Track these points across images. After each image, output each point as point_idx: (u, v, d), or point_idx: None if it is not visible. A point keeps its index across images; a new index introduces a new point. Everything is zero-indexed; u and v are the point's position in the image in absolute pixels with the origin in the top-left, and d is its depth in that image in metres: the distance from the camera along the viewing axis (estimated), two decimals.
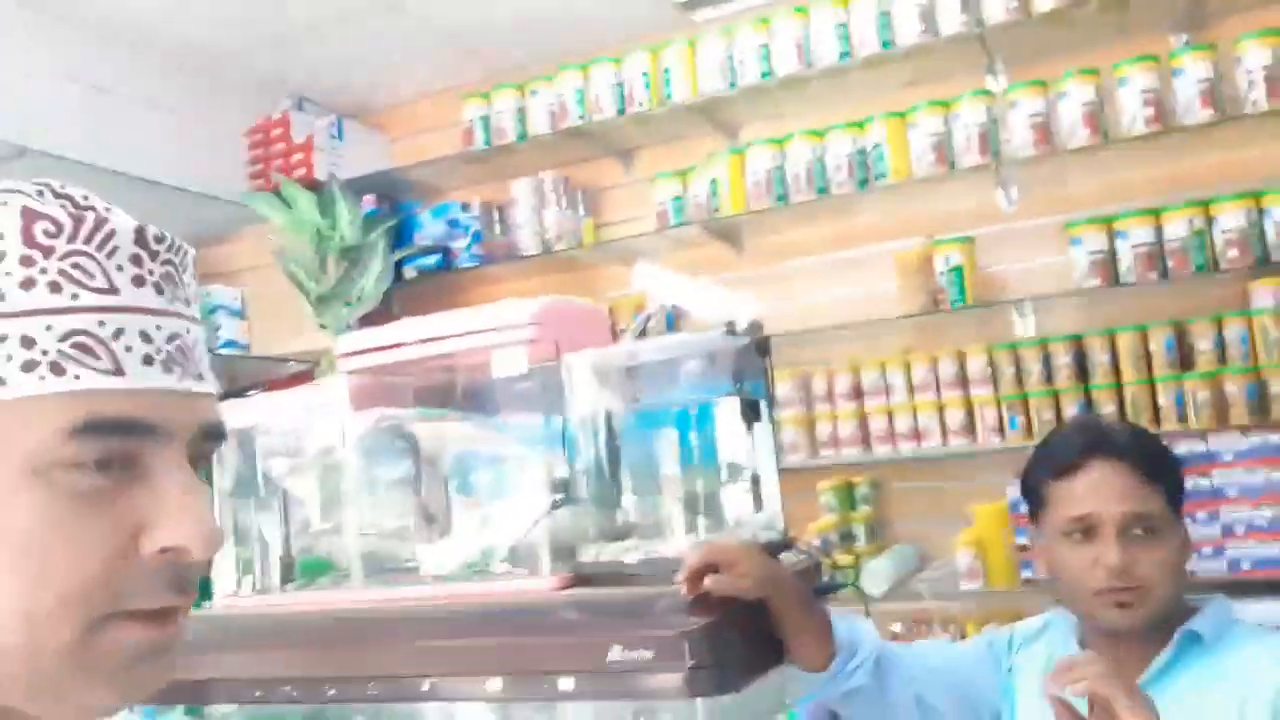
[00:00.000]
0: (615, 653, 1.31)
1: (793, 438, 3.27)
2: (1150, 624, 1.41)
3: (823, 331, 3.26)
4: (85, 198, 0.63)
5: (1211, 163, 3.04)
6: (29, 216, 0.59)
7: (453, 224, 3.81)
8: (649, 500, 1.58)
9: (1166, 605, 1.41)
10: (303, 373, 3.52)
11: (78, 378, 0.58)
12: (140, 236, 0.63)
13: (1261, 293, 2.90)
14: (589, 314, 1.79)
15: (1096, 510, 1.41)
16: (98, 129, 3.23)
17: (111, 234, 0.61)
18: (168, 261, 0.64)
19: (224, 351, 3.47)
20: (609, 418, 1.59)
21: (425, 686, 1.45)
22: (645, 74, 3.47)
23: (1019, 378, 3.08)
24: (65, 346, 0.58)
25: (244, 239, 3.57)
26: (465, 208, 3.82)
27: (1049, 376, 3.05)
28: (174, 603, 0.62)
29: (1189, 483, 1.72)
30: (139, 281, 0.62)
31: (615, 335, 1.91)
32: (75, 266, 0.59)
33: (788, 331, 3.08)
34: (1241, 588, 2.64)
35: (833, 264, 3.48)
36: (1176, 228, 2.95)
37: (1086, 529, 1.42)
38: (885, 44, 3.17)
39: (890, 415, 3.23)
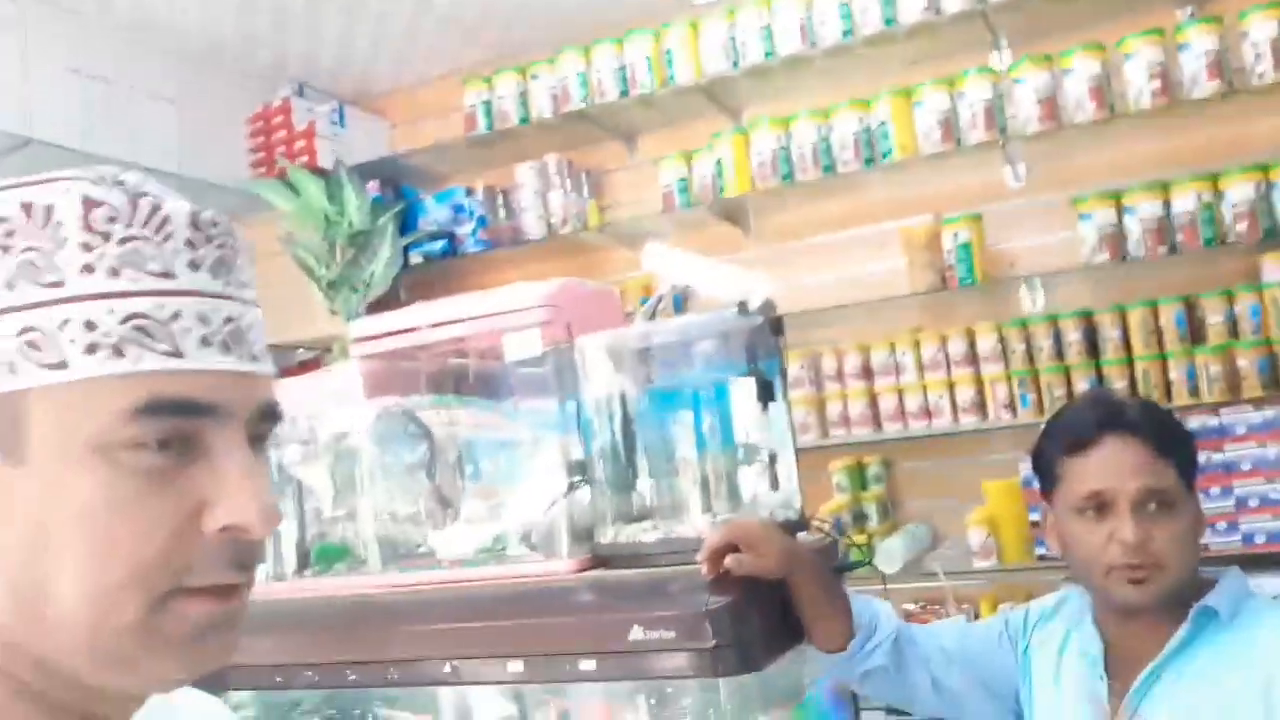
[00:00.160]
0: (636, 633, 1.31)
1: (803, 418, 3.26)
2: (1164, 600, 1.39)
3: (831, 311, 3.25)
4: (141, 184, 0.64)
5: (1219, 136, 3.03)
6: (88, 204, 0.61)
7: (457, 209, 3.80)
8: (665, 481, 1.58)
9: (1180, 581, 1.40)
10: (311, 360, 3.53)
11: (138, 360, 0.59)
12: (195, 221, 0.64)
13: (1272, 265, 2.88)
14: (601, 296, 1.78)
15: (1110, 486, 1.40)
16: (99, 119, 3.22)
17: (167, 219, 0.63)
18: (222, 245, 0.65)
19: None
20: (624, 399, 1.59)
21: (446, 669, 1.46)
22: (648, 56, 3.46)
23: (1029, 354, 3.07)
24: (126, 329, 0.60)
25: (249, 227, 3.55)
26: (469, 193, 3.81)
27: (1059, 353, 3.05)
28: (235, 580, 0.63)
29: (1201, 457, 1.72)
30: (194, 265, 0.63)
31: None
32: (133, 251, 0.61)
33: (796, 311, 3.06)
34: (1255, 561, 2.64)
35: (840, 243, 3.47)
36: (1185, 201, 2.94)
37: (1100, 505, 1.41)
38: (889, 21, 3.15)
39: (900, 394, 3.22)
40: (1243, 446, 2.75)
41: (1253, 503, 2.73)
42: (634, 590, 1.39)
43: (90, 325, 0.59)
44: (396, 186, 3.93)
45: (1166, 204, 2.97)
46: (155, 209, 0.63)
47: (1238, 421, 2.77)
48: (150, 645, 0.60)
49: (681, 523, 1.52)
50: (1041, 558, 2.95)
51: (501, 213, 3.84)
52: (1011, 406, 3.08)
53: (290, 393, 1.85)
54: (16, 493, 0.59)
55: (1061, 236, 3.17)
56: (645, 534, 1.51)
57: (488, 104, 3.70)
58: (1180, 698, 1.38)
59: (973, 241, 3.16)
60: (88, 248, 0.60)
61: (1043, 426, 1.64)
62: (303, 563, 1.80)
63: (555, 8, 3.58)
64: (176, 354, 0.61)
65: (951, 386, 3.16)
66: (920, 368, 3.21)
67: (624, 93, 3.50)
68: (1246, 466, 2.74)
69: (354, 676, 1.54)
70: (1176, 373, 2.90)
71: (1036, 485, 3.01)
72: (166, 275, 0.62)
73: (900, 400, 3.23)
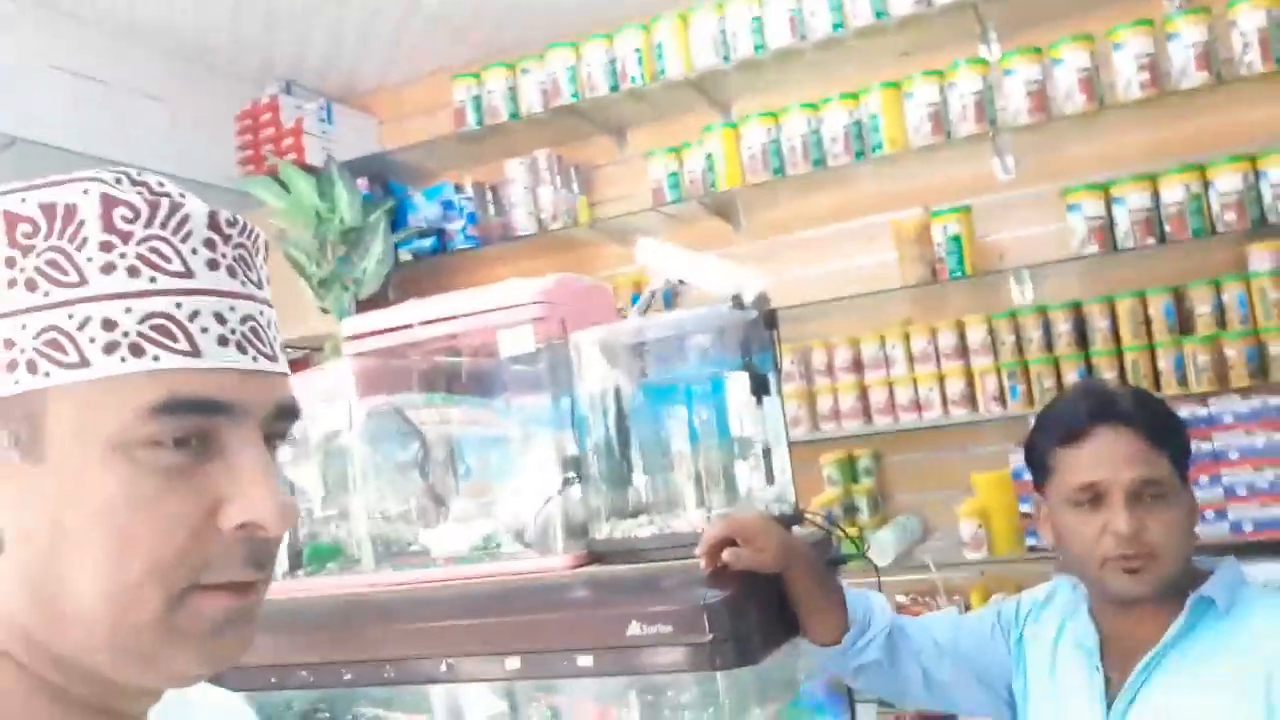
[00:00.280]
0: (634, 628, 1.31)
1: (794, 412, 3.27)
2: (1160, 590, 1.39)
3: (822, 305, 3.26)
4: (160, 184, 0.65)
5: (1207, 126, 3.04)
6: (108, 203, 0.61)
7: (447, 206, 3.79)
8: (660, 476, 1.58)
9: (1175, 570, 1.40)
10: (299, 360, 3.52)
11: (157, 358, 0.60)
12: (213, 221, 0.65)
13: (1259, 255, 2.90)
14: (594, 291, 1.78)
15: (1104, 477, 1.40)
16: (87, 118, 3.20)
17: (186, 219, 0.63)
18: (240, 245, 0.66)
19: None
20: (618, 394, 1.59)
21: (443, 667, 1.45)
22: (638, 50, 3.45)
23: (1019, 346, 3.09)
24: (144, 328, 0.60)
25: None
26: (459, 189, 3.80)
27: (1049, 344, 3.06)
28: (252, 577, 0.64)
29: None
30: (213, 265, 0.64)
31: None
32: (152, 251, 0.62)
33: (786, 305, 3.06)
34: (1244, 549, 2.66)
35: (830, 237, 3.48)
36: (1173, 192, 2.95)
37: (1093, 496, 1.41)
38: (879, 14, 3.15)
39: (891, 387, 3.23)
40: (1230, 435, 2.76)
41: (1240, 491, 2.75)
42: (630, 586, 1.40)
43: (109, 324, 0.60)
44: (385, 183, 3.92)
45: (1155, 195, 2.98)
46: (175, 209, 0.63)
47: (1225, 411, 2.79)
48: (168, 641, 0.61)
49: (676, 518, 1.52)
50: (1032, 549, 2.96)
51: (491, 209, 3.83)
52: (1001, 398, 3.09)
53: None
54: (35, 491, 0.60)
55: (1051, 228, 3.18)
56: (640, 529, 1.51)
57: (477, 99, 3.69)
58: (1177, 687, 1.37)
59: (963, 234, 3.17)
60: (108, 247, 0.61)
61: (1034, 418, 1.64)
62: (295, 563, 1.79)
63: (544, 3, 3.57)
64: (194, 353, 0.61)
65: (941, 379, 3.17)
66: (910, 360, 3.22)
67: (614, 87, 3.50)
68: (1234, 455, 2.76)
69: (350, 676, 1.54)
70: (1165, 363, 2.91)
71: (1027, 477, 3.02)
72: (185, 275, 0.62)
73: (890, 393, 3.23)
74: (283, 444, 0.69)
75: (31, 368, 0.59)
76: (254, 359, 0.64)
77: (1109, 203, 3.02)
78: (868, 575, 1.83)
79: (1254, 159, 2.90)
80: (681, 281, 1.75)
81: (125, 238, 0.61)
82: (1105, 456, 1.40)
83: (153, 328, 0.60)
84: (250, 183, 2.05)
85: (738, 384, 1.60)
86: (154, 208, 0.62)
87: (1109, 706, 1.41)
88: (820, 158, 3.27)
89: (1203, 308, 2.92)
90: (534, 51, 3.64)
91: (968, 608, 3.12)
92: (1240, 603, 1.40)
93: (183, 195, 0.65)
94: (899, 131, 3.18)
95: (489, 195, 3.85)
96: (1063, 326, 3.04)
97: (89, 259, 0.60)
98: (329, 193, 1.97)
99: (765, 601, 1.42)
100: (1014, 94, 3.07)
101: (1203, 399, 2.82)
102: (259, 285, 0.68)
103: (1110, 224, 3.02)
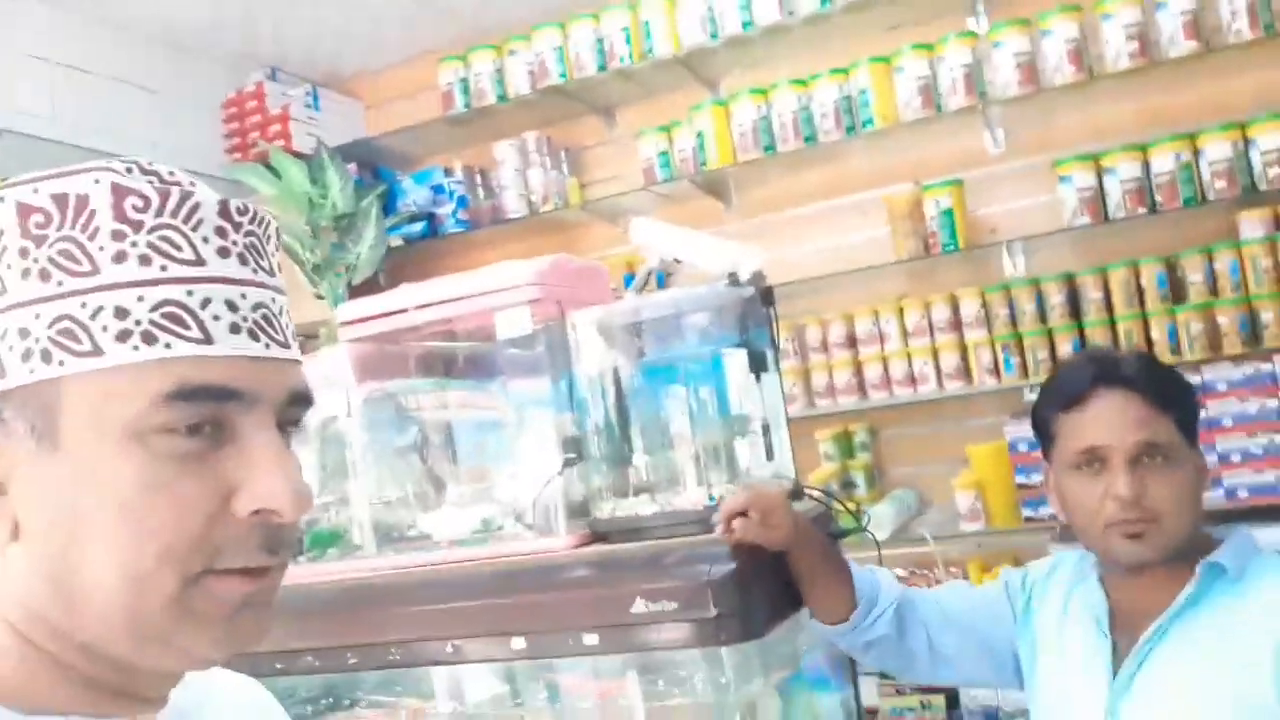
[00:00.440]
0: (639, 605, 1.32)
1: (789, 388, 3.27)
2: (1165, 555, 1.36)
3: (815, 281, 3.26)
4: (171, 173, 0.66)
5: (1196, 95, 3.04)
6: (119, 192, 0.62)
7: (436, 189, 3.77)
8: (660, 455, 1.58)
9: (1181, 536, 1.37)
10: None
11: (169, 346, 0.61)
12: (224, 209, 0.65)
13: (1250, 222, 2.91)
14: (590, 272, 1.78)
15: (1106, 441, 1.38)
16: (72, 108, 3.18)
17: (196, 207, 0.64)
18: (250, 233, 0.67)
19: None
20: (616, 374, 1.59)
21: (448, 649, 1.46)
22: (625, 28, 3.43)
23: (1013, 318, 3.09)
24: (156, 316, 0.61)
25: None
26: (448, 173, 3.78)
27: (1042, 316, 3.07)
28: (266, 563, 0.64)
29: None
30: (224, 253, 0.64)
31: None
32: (163, 239, 0.62)
33: (779, 283, 3.03)
34: (1239, 515, 2.67)
35: (822, 213, 3.47)
36: (1164, 161, 2.95)
37: (1096, 460, 1.39)
38: None
39: (885, 362, 3.24)
40: (1224, 403, 2.78)
41: (1235, 458, 2.76)
42: (634, 563, 1.40)
43: (122, 313, 0.60)
44: (373, 168, 3.90)
45: (1146, 165, 2.98)
46: (185, 197, 0.64)
47: (1219, 378, 2.80)
48: (184, 623, 0.62)
49: (678, 495, 1.53)
50: (1029, 520, 2.98)
51: (481, 192, 3.82)
52: (996, 371, 3.10)
53: None
54: (51, 478, 0.61)
55: (1042, 200, 3.18)
56: (642, 508, 1.52)
57: (465, 82, 3.67)
58: (1186, 655, 1.35)
59: (954, 207, 3.17)
60: (119, 236, 0.61)
61: (1028, 388, 1.63)
62: (296, 549, 1.79)
63: None
64: (206, 340, 0.62)
65: (936, 353, 3.18)
66: (904, 335, 3.22)
67: (602, 67, 3.48)
68: (1228, 422, 2.77)
69: (355, 659, 1.54)
70: (1158, 332, 2.92)
71: (1023, 448, 3.04)
72: (197, 263, 0.63)
73: (885, 368, 3.24)
74: (297, 430, 0.69)
75: (46, 357, 0.60)
76: (266, 346, 0.65)
77: (1100, 173, 3.02)
78: (867, 549, 1.85)
79: (1243, 127, 2.90)
80: (677, 260, 1.75)
81: (136, 227, 0.62)
82: (1106, 420, 1.39)
83: (165, 316, 0.61)
84: (240, 170, 2.04)
85: (736, 361, 1.61)
86: (165, 196, 0.63)
87: (1115, 674, 1.40)
88: (811, 134, 3.26)
89: (1195, 276, 2.93)
90: (520, 32, 3.62)
91: (966, 579, 3.14)
92: (1252, 570, 1.37)
93: (193, 184, 0.66)
94: (889, 106, 3.18)
95: (478, 178, 3.83)
96: (1056, 298, 3.05)
97: (101, 248, 0.61)
98: (320, 178, 1.96)
99: (769, 576, 1.43)
100: (1003, 66, 3.06)
101: (1196, 367, 2.83)
102: (271, 273, 0.68)
103: (1101, 194, 3.02)
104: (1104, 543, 1.40)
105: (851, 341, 3.29)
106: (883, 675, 3.06)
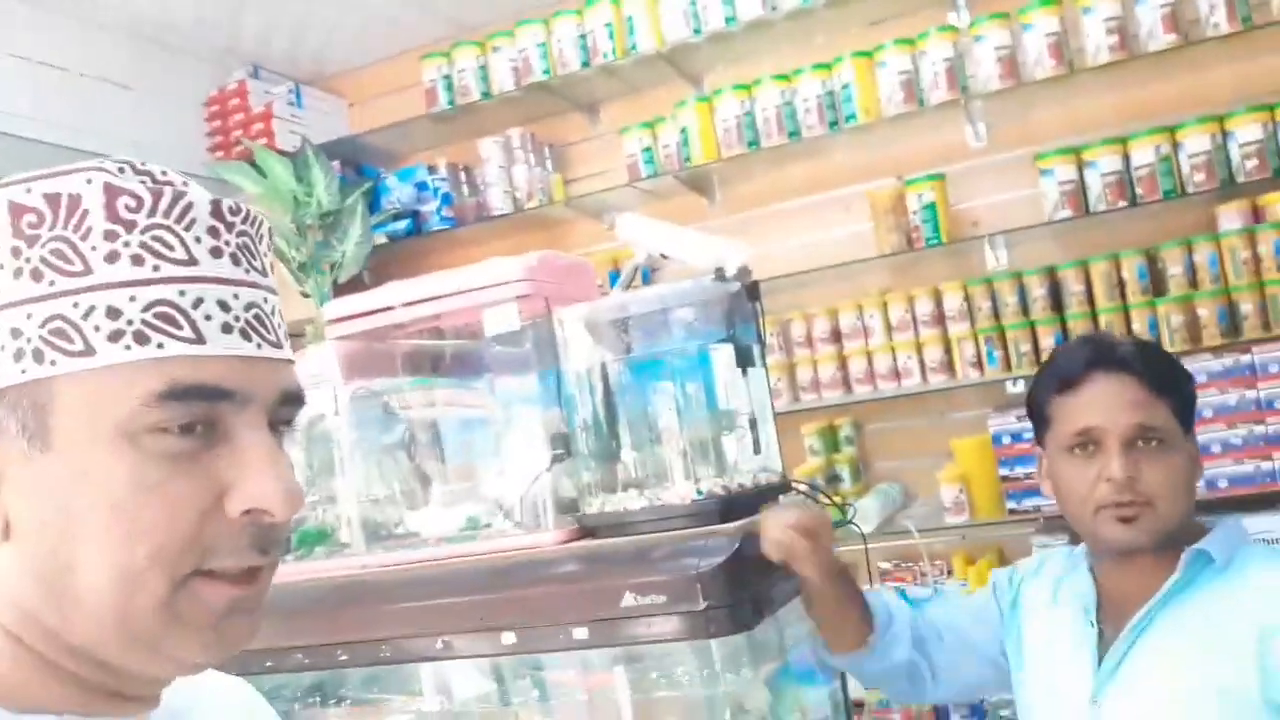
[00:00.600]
0: (629, 599, 1.33)
1: (774, 383, 3.29)
2: (1156, 541, 1.35)
3: (799, 276, 3.27)
4: (164, 173, 0.66)
5: (1175, 88, 3.06)
6: (111, 192, 0.62)
7: (420, 187, 3.77)
8: (648, 450, 1.59)
9: (1173, 522, 1.36)
10: None
11: (161, 346, 0.61)
12: (216, 209, 0.65)
13: (1228, 215, 2.93)
14: (577, 268, 1.78)
15: (1100, 423, 1.37)
16: (53, 107, 3.16)
17: (189, 207, 0.64)
18: (243, 233, 0.67)
19: None
20: (604, 370, 1.60)
21: (439, 645, 1.47)
22: (608, 24, 3.43)
23: (995, 311, 3.11)
24: (148, 316, 0.61)
25: None
26: (432, 170, 3.78)
27: (1025, 309, 3.09)
28: (258, 562, 0.65)
29: None
30: (216, 253, 0.64)
31: None
32: (156, 239, 0.62)
33: (764, 278, 3.05)
34: (1219, 505, 2.70)
35: (806, 208, 3.49)
36: (1143, 154, 2.98)
37: (1089, 443, 1.38)
38: None
39: (869, 356, 3.25)
40: (1205, 394, 2.80)
41: (1215, 448, 2.79)
42: (623, 558, 1.41)
43: (114, 313, 0.60)
44: (357, 166, 3.89)
45: (1126, 158, 3.00)
46: (178, 197, 0.64)
47: (1199, 370, 2.82)
48: (172, 627, 0.62)
49: (666, 490, 1.53)
50: (1013, 512, 3.00)
51: (465, 189, 3.81)
52: (979, 364, 3.12)
53: None
54: (43, 478, 0.61)
55: (1024, 194, 3.20)
56: (630, 502, 1.52)
57: (448, 79, 3.67)
58: (1171, 643, 1.34)
59: (937, 202, 3.19)
60: (112, 236, 0.61)
61: (1021, 379, 1.63)
62: (284, 548, 1.79)
63: None
64: (199, 340, 0.62)
65: (919, 346, 3.20)
66: (888, 329, 3.24)
67: (585, 63, 3.48)
68: (1208, 413, 2.80)
69: (346, 656, 1.55)
70: (1139, 324, 2.95)
71: (1006, 441, 3.06)
72: (189, 262, 0.63)
73: (869, 362, 3.25)
74: (289, 430, 0.69)
75: (38, 357, 0.60)
76: (258, 346, 0.65)
77: (1080, 167, 3.05)
78: (853, 542, 1.86)
79: (1221, 119, 2.93)
80: (664, 255, 1.75)
81: (129, 226, 0.62)
82: (1101, 402, 1.38)
83: (157, 315, 0.61)
84: (225, 168, 2.04)
85: (722, 356, 1.61)
86: (157, 196, 0.63)
87: (1100, 662, 1.40)
88: (795, 129, 3.27)
89: (1175, 268, 2.95)
90: (504, 28, 3.62)
91: (950, 572, 3.16)
92: (1239, 559, 1.36)
93: (185, 184, 0.66)
94: (872, 101, 3.19)
95: (463, 175, 3.83)
96: (1038, 291, 3.07)
97: (93, 248, 0.61)
98: (306, 176, 1.96)
99: (757, 569, 1.44)
100: (984, 60, 3.08)
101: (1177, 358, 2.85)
102: (263, 272, 0.68)
103: (1082, 188, 3.04)
104: (1095, 527, 1.38)
105: (835, 336, 3.31)
106: None
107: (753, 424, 1.59)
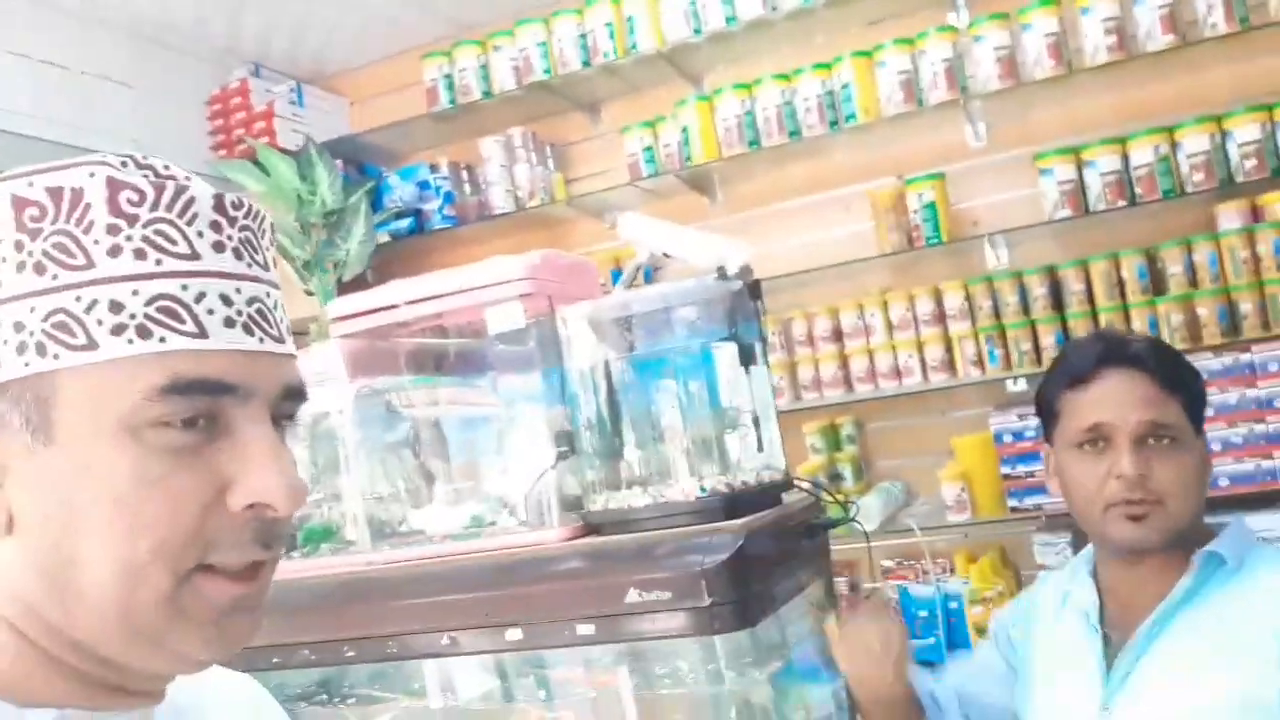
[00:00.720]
0: (633, 595, 1.34)
1: (776, 382, 3.30)
2: (1165, 541, 1.32)
3: (800, 276, 3.28)
4: (166, 167, 0.66)
5: (1174, 88, 3.07)
6: (114, 186, 0.62)
7: (423, 186, 3.77)
8: (651, 447, 1.60)
9: (1183, 522, 1.33)
10: None
11: (163, 340, 0.61)
12: (219, 203, 0.65)
13: (1227, 214, 2.95)
14: (579, 267, 1.79)
15: (1110, 419, 1.34)
16: (55, 106, 3.17)
17: (192, 201, 0.64)
18: (245, 227, 0.67)
19: None
20: (607, 368, 1.61)
21: (445, 641, 1.47)
22: (609, 24, 3.44)
23: (996, 311, 3.12)
24: (151, 310, 0.61)
25: None
26: (434, 169, 3.79)
27: (1025, 308, 3.10)
28: (260, 557, 0.65)
29: None
30: (219, 247, 0.64)
31: None
32: (158, 233, 0.62)
33: (765, 277, 3.06)
34: (1220, 504, 2.71)
35: (807, 207, 3.50)
36: (1143, 154, 2.99)
37: (1099, 439, 1.35)
38: None
39: (871, 355, 3.26)
40: (1206, 393, 2.81)
41: (1215, 447, 2.79)
42: (627, 554, 1.41)
43: (116, 307, 0.60)
44: (359, 165, 3.90)
45: (1125, 157, 3.01)
46: (180, 191, 0.64)
47: (1199, 369, 2.81)
48: (176, 623, 0.62)
49: (669, 487, 1.54)
50: (1014, 510, 3.02)
51: (467, 188, 3.82)
52: (980, 362, 3.13)
53: None
54: (46, 472, 0.60)
55: (1023, 193, 3.21)
56: (634, 499, 1.53)
57: (449, 78, 3.67)
58: (1184, 649, 1.31)
59: (937, 201, 3.20)
60: (114, 230, 0.61)
61: (1022, 378, 1.62)
62: (290, 544, 1.80)
63: None
64: (201, 334, 0.62)
65: (920, 345, 3.21)
66: (889, 328, 3.25)
67: (586, 63, 3.49)
68: (1209, 412, 2.79)
69: (352, 653, 1.56)
70: (1139, 323, 2.96)
71: (1008, 439, 3.06)
72: (191, 257, 0.63)
73: (871, 361, 3.27)
74: (291, 424, 0.69)
75: (40, 350, 0.60)
76: (260, 340, 0.65)
77: (1080, 166, 3.06)
78: (856, 540, 1.86)
79: (1220, 119, 2.94)
80: (665, 254, 1.76)
81: (131, 220, 0.62)
82: (1113, 398, 1.35)
83: (159, 310, 0.61)
84: (229, 167, 2.04)
85: (725, 354, 1.62)
86: (160, 190, 0.63)
87: (1108, 668, 1.36)
88: (795, 129, 3.28)
89: (1174, 268, 2.96)
90: (504, 28, 3.62)
91: (952, 570, 3.17)
92: (1251, 562, 1.33)
93: (188, 178, 0.66)
94: (871, 101, 3.20)
95: (464, 174, 3.83)
96: (1038, 290, 3.08)
97: (96, 242, 0.61)
98: (309, 175, 1.97)
99: (761, 566, 1.45)
100: (984, 60, 3.09)
101: None
102: (265, 267, 0.68)
103: (1082, 187, 3.06)
104: (1104, 525, 1.36)
105: (837, 335, 3.32)
106: None
107: (755, 422, 1.60)
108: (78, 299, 0.60)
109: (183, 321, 0.61)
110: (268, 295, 0.67)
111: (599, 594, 1.36)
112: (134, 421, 0.60)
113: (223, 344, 0.62)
